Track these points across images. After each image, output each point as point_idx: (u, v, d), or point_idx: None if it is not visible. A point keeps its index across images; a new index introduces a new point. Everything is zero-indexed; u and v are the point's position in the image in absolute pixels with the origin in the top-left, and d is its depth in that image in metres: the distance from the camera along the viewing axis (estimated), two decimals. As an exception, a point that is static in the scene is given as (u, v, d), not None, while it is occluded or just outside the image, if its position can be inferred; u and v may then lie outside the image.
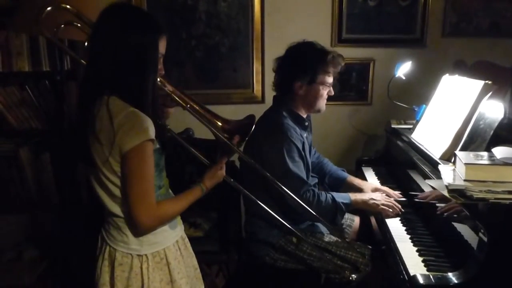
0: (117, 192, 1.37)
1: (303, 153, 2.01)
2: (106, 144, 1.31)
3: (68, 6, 1.62)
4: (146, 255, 1.41)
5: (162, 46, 1.38)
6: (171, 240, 1.48)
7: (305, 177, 1.99)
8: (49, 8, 1.59)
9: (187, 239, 1.61)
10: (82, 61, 1.56)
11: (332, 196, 2.00)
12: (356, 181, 2.34)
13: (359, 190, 2.24)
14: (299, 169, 1.97)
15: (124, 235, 1.41)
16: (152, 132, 1.30)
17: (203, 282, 1.66)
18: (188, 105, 1.54)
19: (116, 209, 1.40)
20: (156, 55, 1.36)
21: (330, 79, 2.05)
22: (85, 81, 1.38)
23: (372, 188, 2.23)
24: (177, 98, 1.53)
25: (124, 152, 1.28)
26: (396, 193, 2.15)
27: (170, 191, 1.55)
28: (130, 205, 1.32)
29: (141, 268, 1.41)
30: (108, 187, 1.37)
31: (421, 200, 1.90)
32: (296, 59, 2.01)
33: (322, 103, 2.09)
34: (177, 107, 1.56)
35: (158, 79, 1.43)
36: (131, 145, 1.27)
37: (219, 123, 1.56)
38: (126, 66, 1.31)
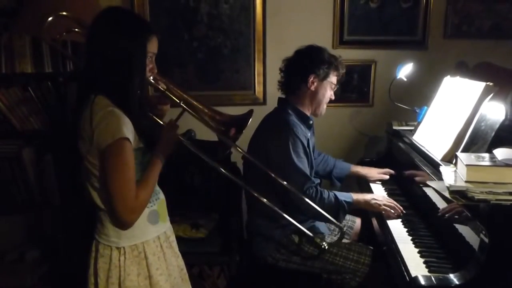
0: (97, 184, 1.42)
1: (307, 150, 2.03)
2: (86, 140, 1.37)
3: (65, 13, 1.72)
4: (124, 247, 1.44)
5: (153, 46, 1.43)
6: (150, 235, 1.50)
7: (309, 174, 2.01)
8: (50, 18, 1.69)
9: (173, 238, 1.63)
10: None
11: (335, 194, 2.01)
12: (360, 168, 2.48)
13: (364, 176, 2.43)
14: (303, 165, 1.98)
15: (104, 227, 1.46)
16: (126, 130, 1.34)
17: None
18: (182, 101, 1.55)
19: (98, 201, 1.45)
20: (143, 57, 1.41)
21: (335, 81, 2.12)
22: (79, 80, 1.47)
23: (377, 171, 2.41)
24: (170, 95, 1.55)
25: (101, 150, 1.34)
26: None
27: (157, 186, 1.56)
28: (111, 202, 1.37)
29: (119, 260, 1.44)
30: (91, 180, 1.43)
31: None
32: (312, 54, 2.07)
33: (325, 105, 2.15)
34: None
35: (151, 78, 1.48)
36: (106, 143, 1.32)
37: (216, 116, 1.59)
38: (112, 67, 1.37)
